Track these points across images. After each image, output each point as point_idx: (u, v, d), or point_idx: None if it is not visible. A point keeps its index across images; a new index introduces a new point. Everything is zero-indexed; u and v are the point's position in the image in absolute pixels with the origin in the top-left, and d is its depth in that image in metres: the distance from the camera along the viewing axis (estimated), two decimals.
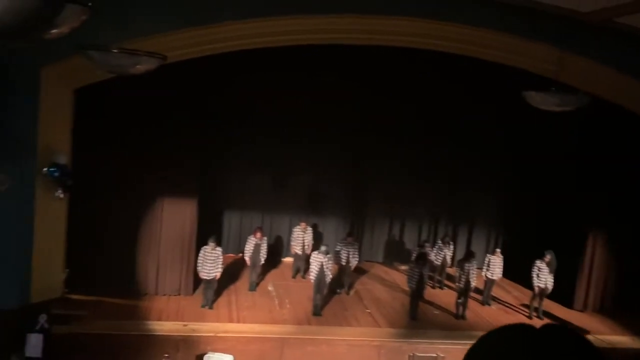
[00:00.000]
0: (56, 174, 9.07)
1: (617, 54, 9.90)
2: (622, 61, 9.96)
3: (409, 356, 9.86)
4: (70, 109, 9.80)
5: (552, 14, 9.11)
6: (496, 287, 12.61)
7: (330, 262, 10.89)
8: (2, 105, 8.54)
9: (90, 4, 2.65)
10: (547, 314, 11.84)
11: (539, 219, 13.55)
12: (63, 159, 9.28)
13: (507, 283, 13.51)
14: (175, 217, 11.11)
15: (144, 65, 6.37)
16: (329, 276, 10.82)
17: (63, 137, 9.65)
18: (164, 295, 11.14)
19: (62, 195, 9.38)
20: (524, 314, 11.95)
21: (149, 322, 9.94)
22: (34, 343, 8.53)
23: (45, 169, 9.06)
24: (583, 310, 12.41)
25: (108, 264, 10.72)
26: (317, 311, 10.86)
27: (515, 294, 13.20)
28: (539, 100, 7.39)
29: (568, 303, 12.42)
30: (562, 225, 12.83)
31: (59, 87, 9.35)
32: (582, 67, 10.00)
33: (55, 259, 9.94)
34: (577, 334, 0.95)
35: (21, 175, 9.02)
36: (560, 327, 0.97)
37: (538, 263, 11.52)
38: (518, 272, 12.95)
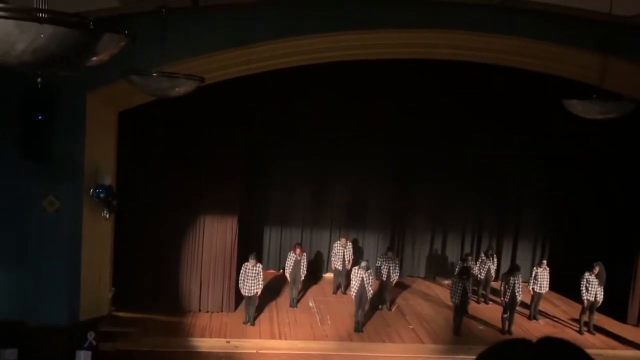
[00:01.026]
0: (102, 195, 9.36)
1: None
2: None
3: None
4: (115, 131, 10.15)
5: (594, 20, 8.89)
6: (543, 301, 12.23)
7: (370, 277, 10.81)
8: (51, 129, 8.92)
9: (126, 31, 2.75)
10: (598, 329, 11.39)
11: (586, 229, 13.12)
12: (108, 180, 9.59)
13: (555, 296, 13.09)
14: (216, 233, 11.29)
15: (182, 88, 6.55)
16: (370, 292, 10.74)
17: (108, 158, 9.99)
18: (207, 312, 11.28)
19: (107, 216, 9.67)
20: (573, 329, 11.53)
21: (193, 339, 10.07)
22: None
23: (91, 190, 9.38)
24: (637, 324, 11.87)
25: (153, 281, 10.97)
26: (359, 327, 10.77)
27: (563, 307, 12.76)
28: (580, 108, 7.17)
29: (621, 317, 11.91)
30: (611, 235, 12.39)
31: (104, 111, 9.70)
32: (626, 72, 9.69)
33: (103, 277, 10.22)
34: (574, 346, 0.93)
35: (69, 197, 9.36)
36: (558, 340, 0.95)
37: (587, 275, 11.12)
38: (566, 285, 12.54)
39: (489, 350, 0.97)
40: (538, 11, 8.96)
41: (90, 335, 8.95)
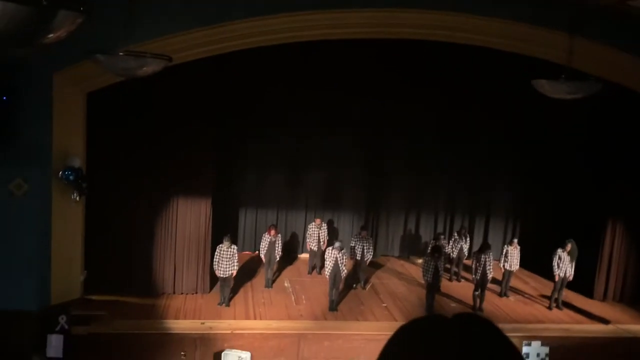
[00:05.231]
0: (71, 177, 9.22)
1: (630, 38, 9.71)
2: (635, 45, 9.77)
3: None
4: (83, 112, 9.95)
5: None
6: (514, 278, 12.49)
7: (345, 257, 10.90)
8: (16, 111, 8.70)
9: (82, 8, 2.68)
10: (566, 305, 11.70)
11: (555, 208, 13.40)
12: (77, 162, 9.43)
13: (526, 274, 13.38)
14: (189, 215, 11.22)
15: (150, 67, 6.44)
16: (344, 271, 10.83)
17: (77, 140, 9.80)
18: (182, 294, 11.27)
19: (77, 198, 9.53)
20: (542, 305, 11.83)
21: (167, 321, 10.06)
22: (55, 344, 8.70)
23: (60, 173, 9.21)
24: (603, 300, 12.24)
25: (126, 264, 10.87)
26: (333, 306, 10.88)
27: (533, 284, 13.06)
28: (548, 88, 7.29)
29: (588, 293, 12.26)
30: (580, 214, 12.66)
31: (71, 92, 9.49)
32: (594, 53, 9.82)
33: (74, 260, 10.11)
34: (486, 320, 0.96)
35: (37, 180, 9.19)
36: (471, 315, 0.98)
37: (559, 252, 11.37)
38: (536, 262, 12.83)
39: (405, 325, 0.99)
40: None
41: (62, 319, 8.88)
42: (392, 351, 0.97)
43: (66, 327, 8.90)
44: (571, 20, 8.70)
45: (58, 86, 9.15)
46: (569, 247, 11.35)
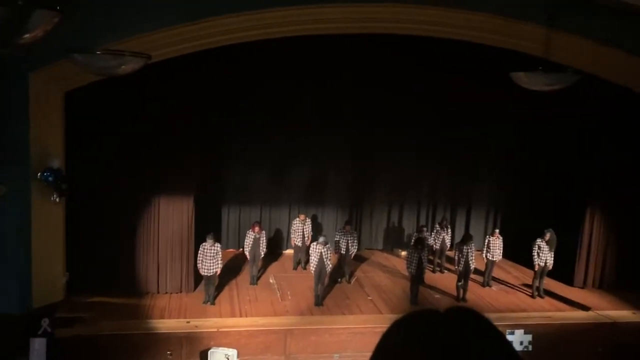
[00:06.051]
0: (50, 179, 9.10)
1: (607, 29, 9.85)
2: (609, 35, 9.92)
3: None
4: (61, 112, 9.81)
5: None
6: (496, 268, 12.66)
7: (329, 251, 10.94)
8: None
9: (58, 7, 2.65)
10: (547, 293, 11.90)
11: (536, 198, 13.59)
12: (57, 163, 9.31)
13: (508, 264, 13.57)
14: (172, 214, 11.14)
15: (129, 66, 6.37)
16: (329, 266, 10.87)
17: (55, 141, 9.67)
18: (166, 293, 11.20)
19: (57, 200, 9.41)
20: (524, 294, 12.01)
21: (152, 321, 10.00)
22: (38, 347, 8.59)
23: (39, 174, 9.09)
24: (583, 287, 12.47)
25: (109, 265, 10.77)
26: (319, 301, 10.92)
27: (515, 274, 13.26)
28: (526, 80, 7.39)
29: (568, 281, 12.48)
30: (559, 203, 12.87)
31: (48, 92, 9.36)
32: (570, 44, 9.95)
33: (56, 262, 10.00)
34: (479, 314, 0.98)
35: (16, 182, 9.05)
36: (464, 309, 0.99)
37: (538, 241, 11.55)
38: (517, 252, 13.01)
39: (399, 320, 1.00)
40: None
41: (45, 322, 8.77)
42: (386, 347, 0.98)
43: (49, 330, 8.79)
44: (549, 12, 8.82)
45: (35, 86, 9.01)
46: (547, 236, 11.54)
